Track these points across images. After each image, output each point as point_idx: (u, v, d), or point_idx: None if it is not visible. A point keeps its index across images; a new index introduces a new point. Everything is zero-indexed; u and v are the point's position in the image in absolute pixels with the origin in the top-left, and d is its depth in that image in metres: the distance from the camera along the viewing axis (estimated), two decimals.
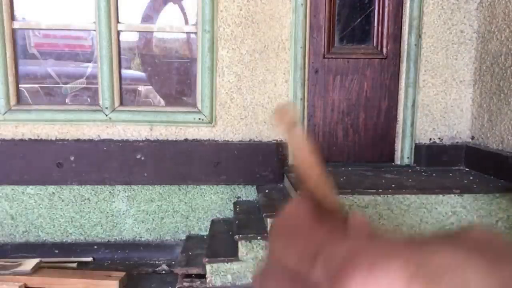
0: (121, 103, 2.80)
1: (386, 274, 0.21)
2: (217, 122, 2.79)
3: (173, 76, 2.97)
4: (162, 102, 3.01)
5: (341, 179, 2.53)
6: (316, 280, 0.25)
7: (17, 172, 2.71)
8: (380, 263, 0.22)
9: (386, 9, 2.80)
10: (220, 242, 2.49)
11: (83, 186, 2.79)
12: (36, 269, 2.44)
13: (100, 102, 2.75)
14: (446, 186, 2.40)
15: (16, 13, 2.71)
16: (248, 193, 2.87)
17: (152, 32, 2.98)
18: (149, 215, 2.86)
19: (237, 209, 2.71)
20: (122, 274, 2.46)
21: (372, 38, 2.85)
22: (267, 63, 2.75)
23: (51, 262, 2.67)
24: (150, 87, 3.11)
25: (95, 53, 2.75)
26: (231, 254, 2.31)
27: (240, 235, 2.28)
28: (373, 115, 2.89)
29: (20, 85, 2.78)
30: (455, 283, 0.21)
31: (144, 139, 2.77)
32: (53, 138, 2.74)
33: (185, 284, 2.30)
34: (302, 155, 0.35)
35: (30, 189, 2.78)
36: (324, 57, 2.82)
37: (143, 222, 2.86)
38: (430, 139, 2.88)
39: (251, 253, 2.28)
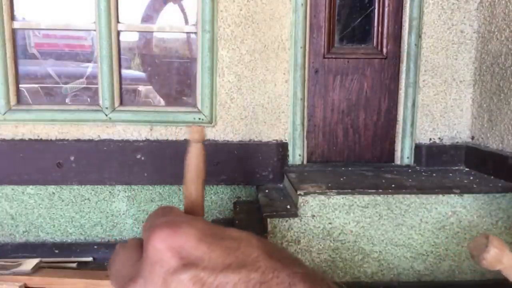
0: (121, 103, 2.80)
1: (185, 230, 0.26)
2: (217, 122, 2.79)
3: (173, 76, 2.97)
4: (162, 102, 3.01)
5: (341, 179, 2.53)
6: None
7: (17, 172, 2.71)
8: (180, 225, 0.27)
9: (386, 9, 2.80)
10: None
11: (83, 186, 2.79)
12: (36, 269, 2.43)
13: (100, 102, 2.75)
14: (446, 186, 2.40)
15: (16, 13, 2.71)
16: (248, 193, 2.87)
17: (152, 32, 2.98)
18: None
19: (237, 209, 2.71)
20: None
21: (372, 38, 2.85)
22: (267, 63, 2.75)
23: (51, 262, 2.67)
24: (150, 87, 3.11)
25: (95, 53, 2.75)
26: None
27: None
28: (373, 115, 2.89)
29: (20, 85, 2.78)
30: (235, 245, 0.26)
31: (144, 139, 2.77)
32: (53, 138, 2.74)
33: None
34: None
35: (30, 189, 2.78)
36: (324, 57, 2.82)
37: (143, 222, 2.85)
38: (430, 139, 2.88)
39: None
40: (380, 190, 2.30)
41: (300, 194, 2.27)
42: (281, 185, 2.81)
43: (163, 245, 0.26)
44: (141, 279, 0.26)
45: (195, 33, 2.75)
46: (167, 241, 0.26)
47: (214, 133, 2.79)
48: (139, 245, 0.30)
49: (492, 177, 2.57)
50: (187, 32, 2.90)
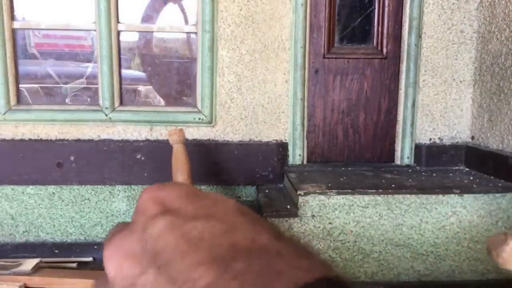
0: (121, 103, 2.80)
1: (169, 188, 0.30)
2: (217, 122, 2.79)
3: (173, 76, 2.97)
4: (162, 102, 3.01)
5: (341, 179, 2.53)
6: None
7: (17, 172, 2.71)
8: (166, 184, 0.31)
9: (386, 9, 2.80)
10: None
11: (83, 186, 2.79)
12: (36, 269, 2.43)
13: (100, 102, 2.75)
14: (446, 186, 2.40)
15: (16, 13, 2.71)
16: (248, 193, 2.87)
17: (152, 32, 2.98)
18: None
19: None
20: None
21: (372, 38, 2.85)
22: (267, 63, 2.75)
23: (51, 262, 2.67)
24: (150, 87, 3.11)
25: (95, 53, 2.75)
26: None
27: None
28: (373, 115, 2.89)
29: (20, 85, 2.78)
30: (211, 203, 0.29)
31: (144, 139, 2.77)
32: (53, 138, 2.74)
33: None
34: None
35: (30, 189, 2.78)
36: (324, 57, 2.82)
37: None
38: (430, 139, 2.89)
39: None
40: (380, 190, 2.30)
41: (300, 194, 2.27)
42: (281, 185, 2.81)
43: (148, 196, 0.30)
44: (127, 228, 0.30)
45: (195, 33, 2.75)
46: (152, 194, 0.30)
47: (214, 133, 2.79)
48: None
49: (492, 177, 2.57)
50: (187, 32, 2.90)
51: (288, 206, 2.36)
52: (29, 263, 2.45)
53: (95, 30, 2.69)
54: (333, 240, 2.31)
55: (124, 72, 2.85)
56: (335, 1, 2.80)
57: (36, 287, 2.34)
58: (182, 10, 2.88)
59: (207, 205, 0.28)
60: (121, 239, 0.28)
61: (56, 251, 2.81)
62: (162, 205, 0.28)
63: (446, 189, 2.34)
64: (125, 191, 2.82)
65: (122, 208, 2.84)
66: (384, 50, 2.84)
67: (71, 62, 3.08)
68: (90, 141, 2.75)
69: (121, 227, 0.31)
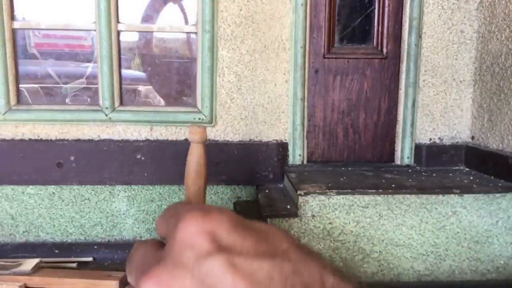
0: (121, 103, 2.80)
1: (217, 217, 0.27)
2: (217, 122, 2.79)
3: (173, 76, 2.97)
4: (162, 102, 3.01)
5: (341, 179, 2.53)
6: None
7: (17, 172, 2.71)
8: (211, 211, 0.27)
9: (386, 9, 2.80)
10: None
11: (83, 186, 2.79)
12: (36, 269, 2.43)
13: (100, 102, 2.75)
14: (446, 186, 2.40)
15: (16, 13, 2.71)
16: (248, 193, 2.87)
17: (152, 32, 2.98)
18: (149, 215, 2.86)
19: (237, 209, 2.71)
20: (122, 274, 2.46)
21: (372, 38, 2.85)
22: (267, 63, 2.75)
23: (51, 262, 2.67)
24: (150, 87, 3.11)
25: (95, 53, 2.75)
26: None
27: None
28: (373, 115, 2.89)
29: (20, 85, 2.78)
30: (264, 236, 0.27)
31: (144, 139, 2.77)
32: (53, 138, 2.74)
33: None
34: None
35: (30, 189, 2.78)
36: (324, 57, 2.82)
37: (143, 222, 2.86)
38: (430, 139, 2.89)
39: None
40: (380, 190, 2.30)
41: (300, 194, 2.27)
42: (281, 185, 2.81)
43: (195, 229, 0.26)
44: (169, 261, 0.26)
45: (195, 33, 2.76)
46: (199, 225, 0.26)
47: (214, 133, 2.79)
48: (159, 243, 0.30)
49: (492, 177, 2.57)
50: (187, 32, 2.90)
51: (288, 206, 2.36)
52: (29, 263, 2.45)
53: (95, 30, 2.69)
54: (333, 240, 2.31)
55: (124, 72, 2.85)
56: (335, 1, 2.80)
57: (36, 287, 2.35)
58: (182, 10, 2.88)
59: (262, 239, 0.26)
60: (167, 275, 0.25)
61: (56, 251, 2.81)
62: (214, 239, 0.25)
63: (446, 189, 2.34)
64: (125, 191, 2.82)
65: (122, 208, 2.84)
66: (384, 50, 2.84)
67: (71, 62, 3.08)
68: (90, 141, 2.75)
69: (153, 256, 0.28)
